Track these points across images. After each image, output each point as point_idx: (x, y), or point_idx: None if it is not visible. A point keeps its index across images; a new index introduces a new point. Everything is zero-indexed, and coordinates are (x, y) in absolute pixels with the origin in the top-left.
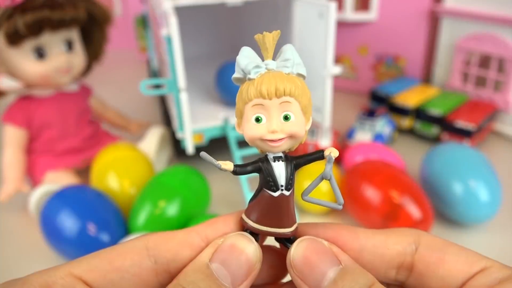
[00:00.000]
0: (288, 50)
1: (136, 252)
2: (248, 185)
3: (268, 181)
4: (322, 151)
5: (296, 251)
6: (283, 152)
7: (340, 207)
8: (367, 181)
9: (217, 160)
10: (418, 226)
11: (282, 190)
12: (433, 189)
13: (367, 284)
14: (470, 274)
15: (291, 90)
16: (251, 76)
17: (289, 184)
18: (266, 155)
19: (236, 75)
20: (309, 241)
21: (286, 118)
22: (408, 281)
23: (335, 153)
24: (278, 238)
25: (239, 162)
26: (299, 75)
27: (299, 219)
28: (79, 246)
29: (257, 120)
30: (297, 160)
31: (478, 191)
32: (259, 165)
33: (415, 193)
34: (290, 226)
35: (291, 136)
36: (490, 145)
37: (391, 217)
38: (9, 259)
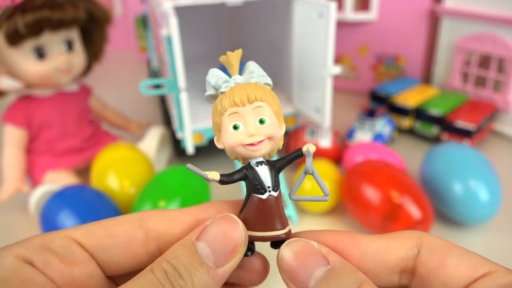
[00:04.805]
0: (252, 64)
1: (130, 223)
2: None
3: (255, 185)
4: (300, 149)
5: (285, 252)
6: (264, 157)
7: (327, 198)
8: (367, 181)
9: (204, 170)
10: (418, 226)
11: (269, 191)
12: (433, 189)
13: (355, 284)
14: (472, 279)
15: (261, 96)
16: (222, 89)
17: (275, 186)
18: (249, 162)
19: (209, 92)
20: (298, 242)
21: (261, 121)
22: (411, 285)
23: (312, 147)
24: (274, 243)
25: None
26: (266, 84)
27: (300, 219)
28: None
29: (235, 127)
30: (278, 162)
31: (478, 191)
32: (244, 172)
33: (415, 193)
34: (283, 228)
35: (269, 138)
36: (490, 145)
37: (391, 217)
38: None
